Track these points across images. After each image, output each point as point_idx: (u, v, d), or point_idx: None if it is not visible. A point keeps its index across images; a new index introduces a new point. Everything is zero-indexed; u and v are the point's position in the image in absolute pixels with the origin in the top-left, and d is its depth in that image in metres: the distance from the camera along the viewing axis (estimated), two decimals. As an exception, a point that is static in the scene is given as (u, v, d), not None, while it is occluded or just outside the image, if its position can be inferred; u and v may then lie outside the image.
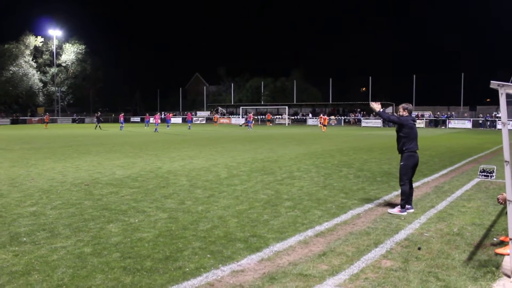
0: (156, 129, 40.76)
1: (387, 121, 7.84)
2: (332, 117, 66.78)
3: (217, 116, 66.81)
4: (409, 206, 7.80)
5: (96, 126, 46.42)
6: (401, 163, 7.83)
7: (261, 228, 6.60)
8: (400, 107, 7.92)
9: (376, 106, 7.90)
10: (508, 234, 4.81)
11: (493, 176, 11.44)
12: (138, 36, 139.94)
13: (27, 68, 79.36)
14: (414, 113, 58.44)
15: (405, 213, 7.58)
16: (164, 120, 56.12)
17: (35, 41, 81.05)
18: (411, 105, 8.02)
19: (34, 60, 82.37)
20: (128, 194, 9.25)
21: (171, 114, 56.41)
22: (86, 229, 6.47)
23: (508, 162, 4.62)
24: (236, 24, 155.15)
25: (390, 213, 7.60)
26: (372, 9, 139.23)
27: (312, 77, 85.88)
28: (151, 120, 51.30)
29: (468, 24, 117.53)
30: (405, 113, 7.83)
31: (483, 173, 11.65)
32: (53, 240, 5.92)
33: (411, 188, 7.92)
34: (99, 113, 52.54)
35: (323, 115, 49.58)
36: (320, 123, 46.47)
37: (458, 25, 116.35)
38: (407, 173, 7.77)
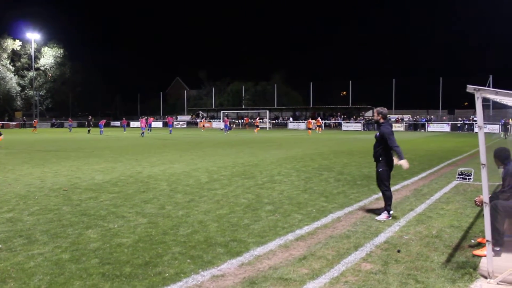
0: (142, 134, 40.19)
1: (396, 147, 7.46)
2: (313, 121, 67.13)
3: (204, 120, 65.83)
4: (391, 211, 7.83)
5: (89, 130, 46.69)
6: (380, 169, 7.70)
7: (241, 233, 6.58)
8: (375, 111, 7.85)
9: (405, 164, 7.54)
10: (485, 235, 4.88)
11: (470, 178, 11.62)
12: (118, 40, 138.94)
13: (4, 71, 78.24)
14: (393, 117, 59.55)
15: (390, 218, 7.55)
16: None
17: (13, 44, 80.00)
18: (385, 108, 7.92)
19: (11, 64, 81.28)
20: (107, 199, 9.15)
21: (152, 119, 55.92)
22: (64, 235, 6.38)
23: (484, 165, 4.68)
24: (216, 27, 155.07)
25: (378, 220, 7.44)
26: (352, 13, 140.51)
27: (293, 80, 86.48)
28: (137, 124, 50.69)
29: (446, 28, 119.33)
30: (379, 117, 7.71)
31: (461, 176, 11.83)
32: (30, 247, 5.82)
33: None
34: (90, 117, 52.27)
35: (312, 119, 50.24)
36: (318, 126, 47.23)
37: (437, 29, 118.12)
38: (386, 178, 7.71)
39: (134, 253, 5.59)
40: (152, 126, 55.74)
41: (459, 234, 6.60)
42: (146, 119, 45.38)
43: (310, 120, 50.49)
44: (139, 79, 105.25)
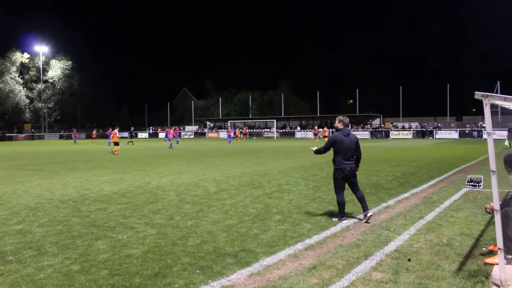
0: (170, 145, 37.33)
1: (326, 150, 8.22)
2: (320, 129, 67.12)
3: (239, 130, 61.71)
4: (344, 218, 8.09)
5: (129, 141, 45.38)
6: (333, 173, 8.23)
7: (250, 243, 6.56)
8: (337, 119, 8.34)
9: (312, 149, 8.59)
10: (497, 243, 4.83)
11: (480, 185, 11.53)
12: (126, 51, 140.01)
13: (13, 84, 79.00)
14: (400, 124, 59.33)
15: (345, 221, 7.93)
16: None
17: (21, 57, 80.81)
18: (347, 118, 8.40)
19: (20, 77, 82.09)
20: (116, 210, 9.16)
21: (178, 129, 54.04)
22: (73, 247, 6.39)
23: (494, 171, 4.65)
24: (223, 38, 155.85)
25: (333, 220, 8.01)
26: (357, 22, 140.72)
27: (300, 89, 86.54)
28: (145, 135, 49.88)
29: (453, 34, 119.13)
30: (340, 125, 8.20)
31: (470, 183, 11.74)
32: (39, 258, 5.83)
33: (362, 199, 8.10)
34: (132, 128, 51.99)
35: (320, 127, 50.28)
36: (325, 136, 47.24)
37: (443, 36, 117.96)
38: (337, 185, 8.11)
39: (143, 264, 5.58)
40: (160, 136, 55.50)
41: (470, 242, 6.53)
42: (174, 129, 42.53)
43: (316, 127, 50.43)
44: (146, 90, 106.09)
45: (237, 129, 63.40)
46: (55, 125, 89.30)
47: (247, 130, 69.53)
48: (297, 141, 55.24)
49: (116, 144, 29.43)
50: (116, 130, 31.32)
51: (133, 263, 5.62)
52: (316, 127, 48.85)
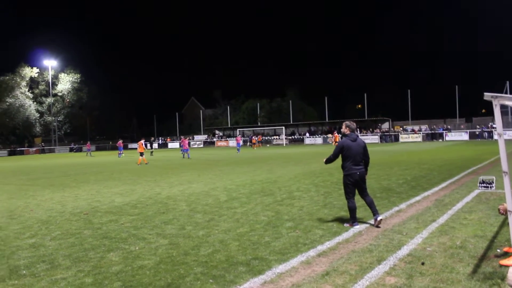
0: (188, 155, 35.85)
1: (335, 157, 8.24)
2: (329, 135, 67.02)
3: (255, 138, 62.34)
4: (356, 223, 8.06)
5: (151, 152, 46.51)
6: (343, 179, 8.22)
7: (262, 250, 6.54)
8: (344, 124, 8.38)
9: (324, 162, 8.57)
10: (511, 244, 4.78)
11: (492, 186, 11.42)
12: (134, 62, 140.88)
13: (23, 99, 79.81)
14: (409, 128, 59.08)
15: (357, 226, 7.92)
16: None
17: (30, 72, 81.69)
18: (353, 123, 8.43)
19: (30, 91, 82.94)
20: (127, 221, 9.19)
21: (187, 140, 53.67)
22: (86, 259, 6.41)
23: (506, 172, 4.61)
24: (230, 46, 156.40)
25: (345, 226, 8.02)
26: (365, 26, 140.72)
27: (308, 96, 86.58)
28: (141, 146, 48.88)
29: (460, 35, 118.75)
30: (347, 130, 8.23)
31: (482, 184, 11.63)
32: (53, 272, 5.86)
33: (371, 204, 8.13)
34: (152, 138, 52.37)
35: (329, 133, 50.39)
36: (335, 141, 47.21)
37: (451, 37, 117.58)
38: (348, 191, 8.11)
39: (156, 275, 5.58)
40: (169, 147, 55.54)
41: (484, 244, 6.47)
42: (189, 139, 41.72)
43: (336, 134, 50.40)
44: (155, 100, 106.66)
45: (253, 137, 63.50)
46: (65, 138, 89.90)
47: (262, 138, 69.30)
48: (306, 147, 55.14)
49: (141, 154, 30.05)
50: (142, 141, 32.10)
51: (146, 274, 5.62)
52: (336, 133, 48.89)
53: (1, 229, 8.86)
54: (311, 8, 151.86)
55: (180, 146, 49.02)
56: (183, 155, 36.52)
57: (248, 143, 67.97)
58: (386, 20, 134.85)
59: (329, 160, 8.34)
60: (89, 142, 54.12)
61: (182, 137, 48.47)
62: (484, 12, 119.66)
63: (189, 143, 45.52)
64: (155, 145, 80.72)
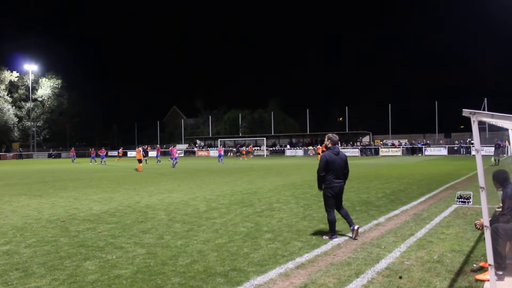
0: (174, 164, 35.14)
1: (323, 170, 8.02)
2: (310, 147, 67.26)
3: (244, 149, 61.29)
4: (335, 236, 8.06)
5: (145, 160, 44.75)
6: (323, 193, 8.20)
7: (241, 262, 6.51)
8: (326, 137, 8.38)
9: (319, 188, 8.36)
10: (487, 259, 4.83)
11: (470, 202, 11.58)
12: (115, 69, 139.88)
13: (1, 103, 78.63)
14: (389, 142, 59.56)
15: (336, 239, 7.90)
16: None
17: (10, 76, 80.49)
18: (336, 136, 8.42)
19: (9, 95, 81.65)
20: (105, 229, 9.07)
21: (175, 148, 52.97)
22: (61, 267, 6.30)
23: (483, 188, 4.67)
24: (212, 56, 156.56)
25: (324, 238, 8.00)
26: (347, 39, 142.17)
27: (289, 107, 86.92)
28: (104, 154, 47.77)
29: (441, 52, 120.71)
30: (329, 142, 8.24)
31: (460, 199, 11.80)
32: (27, 280, 5.74)
33: (347, 215, 8.22)
34: (146, 146, 51.65)
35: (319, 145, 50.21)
36: (318, 153, 47.02)
37: (430, 53, 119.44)
38: (328, 203, 8.11)
39: (133, 285, 5.51)
40: (150, 155, 55.03)
41: (461, 258, 6.54)
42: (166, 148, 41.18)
43: (319, 146, 50.42)
44: (136, 108, 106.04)
45: (246, 147, 63.04)
46: (44, 144, 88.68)
47: (252, 148, 68.43)
48: (287, 159, 55.27)
49: (139, 161, 31.06)
50: (140, 148, 32.99)
51: (122, 284, 5.55)
52: (319, 146, 48.88)
53: (-26, 235, 8.67)
54: (294, 22, 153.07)
55: (157, 155, 48.87)
56: (173, 163, 35.42)
57: (230, 154, 67.84)
58: (369, 35, 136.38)
59: (319, 178, 8.12)
60: (73, 149, 52.97)
61: (171, 146, 47.68)
62: (467, 27, 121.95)
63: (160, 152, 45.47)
64: (134, 153, 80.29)
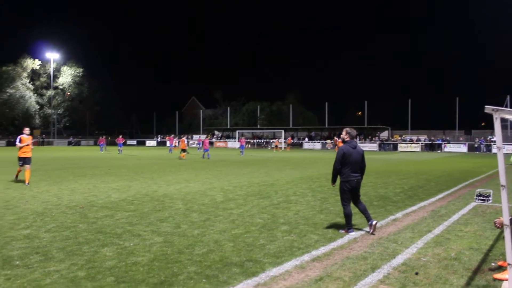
0: (208, 155, 35.41)
1: (339, 164, 7.98)
2: (328, 141, 66.92)
3: (277, 141, 60.90)
4: (351, 230, 8.04)
5: (170, 149, 47.59)
6: (340, 186, 8.17)
7: (257, 253, 6.53)
8: (344, 131, 8.33)
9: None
10: (507, 259, 4.77)
11: (489, 200, 11.43)
12: (136, 59, 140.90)
13: (24, 90, 79.70)
14: (408, 137, 59.06)
15: (352, 233, 7.89)
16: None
17: (32, 63, 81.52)
18: (354, 130, 8.39)
19: (31, 83, 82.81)
20: (123, 217, 9.17)
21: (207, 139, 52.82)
22: (80, 253, 6.40)
23: (504, 186, 4.60)
24: (232, 47, 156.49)
25: (340, 232, 7.99)
26: (367, 33, 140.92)
27: (308, 100, 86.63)
28: (153, 143, 48.93)
29: (463, 47, 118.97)
30: (347, 137, 8.19)
31: (479, 197, 11.64)
32: (46, 264, 5.84)
33: (365, 210, 8.17)
34: (173, 136, 52.40)
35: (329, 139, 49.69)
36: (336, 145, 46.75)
37: (454, 48, 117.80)
38: (344, 197, 8.09)
39: (149, 272, 5.57)
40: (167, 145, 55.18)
41: (479, 256, 6.47)
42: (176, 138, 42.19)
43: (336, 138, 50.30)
44: (155, 98, 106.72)
45: (284, 139, 62.47)
46: (64, 131, 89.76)
47: (291, 141, 67.78)
48: (305, 152, 55.13)
49: (184, 150, 33.56)
50: (184, 138, 35.66)
51: (139, 271, 5.61)
52: (336, 138, 48.72)
53: (-4, 219, 8.84)
54: (313, 14, 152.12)
55: (170, 145, 49.15)
56: (207, 154, 35.58)
57: (248, 145, 67.79)
58: (388, 31, 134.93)
59: (335, 172, 8.09)
60: (104, 137, 52.19)
61: (200, 136, 47.48)
62: (488, 25, 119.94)
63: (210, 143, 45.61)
64: (153, 143, 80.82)
